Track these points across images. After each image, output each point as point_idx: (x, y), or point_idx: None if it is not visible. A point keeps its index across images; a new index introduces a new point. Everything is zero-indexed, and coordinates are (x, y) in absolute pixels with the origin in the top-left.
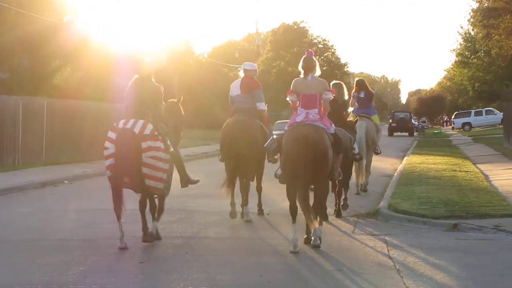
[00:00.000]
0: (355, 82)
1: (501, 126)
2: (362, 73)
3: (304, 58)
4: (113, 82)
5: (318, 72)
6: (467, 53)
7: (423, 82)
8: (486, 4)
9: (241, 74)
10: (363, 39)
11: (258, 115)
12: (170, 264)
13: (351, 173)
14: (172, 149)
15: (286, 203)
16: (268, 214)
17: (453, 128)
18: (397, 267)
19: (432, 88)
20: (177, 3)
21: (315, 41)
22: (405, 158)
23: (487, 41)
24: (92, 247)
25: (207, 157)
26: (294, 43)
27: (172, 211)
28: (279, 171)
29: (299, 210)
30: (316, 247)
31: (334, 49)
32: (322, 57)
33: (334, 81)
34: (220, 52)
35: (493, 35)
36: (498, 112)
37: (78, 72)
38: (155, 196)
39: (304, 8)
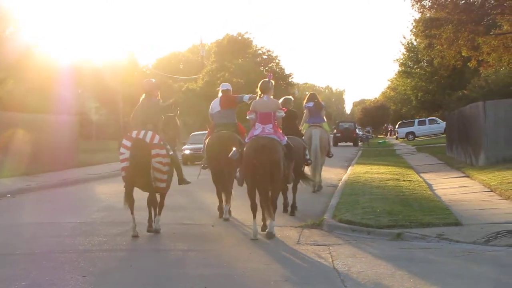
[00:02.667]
0: (308, 94)
1: (444, 135)
2: (306, 83)
3: (262, 81)
4: (57, 94)
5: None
6: (410, 63)
7: (367, 92)
8: (428, 15)
9: (220, 94)
10: (307, 50)
11: (235, 129)
12: (114, 277)
13: (300, 177)
14: (172, 152)
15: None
16: (213, 226)
17: (397, 138)
18: (341, 277)
19: (376, 98)
20: (121, 14)
21: (260, 52)
22: (349, 168)
23: (429, 51)
24: (35, 261)
25: None
26: (239, 54)
27: (116, 223)
28: (238, 175)
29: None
30: (271, 235)
31: (279, 60)
32: (266, 68)
33: (284, 97)
34: (165, 63)
35: (435, 45)
36: (441, 121)
37: (22, 84)
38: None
39: (248, 19)
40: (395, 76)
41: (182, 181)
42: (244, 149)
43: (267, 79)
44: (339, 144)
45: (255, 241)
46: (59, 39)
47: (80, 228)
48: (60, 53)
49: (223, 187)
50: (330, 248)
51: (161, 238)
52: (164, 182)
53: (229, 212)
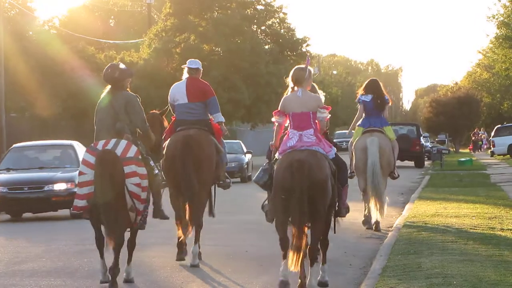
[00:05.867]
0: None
1: None
2: (334, 55)
3: (296, 68)
4: None
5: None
6: None
7: (440, 73)
8: None
9: (185, 75)
10: (335, 2)
11: (208, 128)
12: None
13: (330, 223)
14: (157, 171)
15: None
16: None
17: (492, 154)
18: None
19: (457, 84)
20: None
21: None
22: (407, 207)
23: None
24: None
25: None
26: (213, 2)
27: None
28: (266, 204)
29: None
30: (323, 284)
31: (285, 14)
32: (263, 28)
33: None
34: (82, 18)
35: None
36: None
37: None
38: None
39: None
40: (490, 46)
41: (158, 213)
42: (275, 167)
43: (302, 66)
44: None
45: None
46: None
47: None
48: None
49: (191, 212)
50: None
51: None
52: (139, 213)
53: (199, 255)
